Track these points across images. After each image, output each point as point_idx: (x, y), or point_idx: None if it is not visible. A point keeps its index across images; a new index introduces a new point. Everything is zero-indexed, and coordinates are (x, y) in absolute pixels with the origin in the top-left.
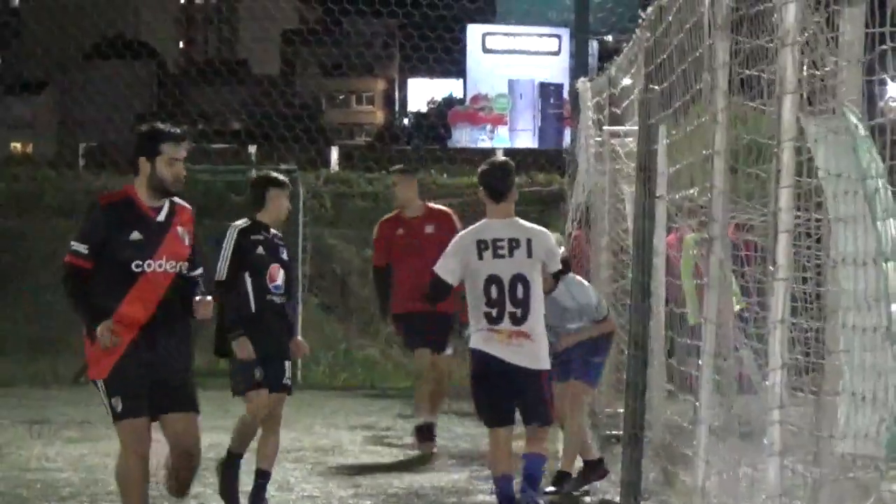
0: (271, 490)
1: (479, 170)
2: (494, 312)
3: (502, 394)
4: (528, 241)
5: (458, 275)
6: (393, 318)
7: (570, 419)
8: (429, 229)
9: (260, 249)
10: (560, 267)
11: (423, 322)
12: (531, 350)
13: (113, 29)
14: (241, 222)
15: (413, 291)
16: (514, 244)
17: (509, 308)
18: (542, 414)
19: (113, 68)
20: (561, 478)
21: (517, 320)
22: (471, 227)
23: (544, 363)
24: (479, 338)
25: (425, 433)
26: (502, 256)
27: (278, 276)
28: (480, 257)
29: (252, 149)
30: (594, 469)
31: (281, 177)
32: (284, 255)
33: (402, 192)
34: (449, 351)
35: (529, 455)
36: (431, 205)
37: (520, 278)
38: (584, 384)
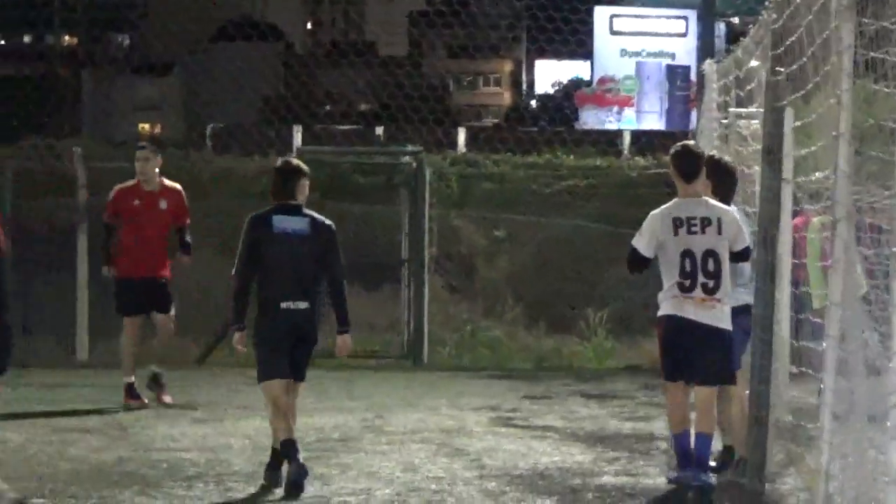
0: (397, 471)
1: (672, 152)
2: (688, 283)
3: (691, 351)
4: (719, 220)
5: (653, 249)
6: (115, 281)
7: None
8: (162, 205)
9: None
10: (746, 244)
11: (142, 287)
12: (721, 311)
13: (239, 10)
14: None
15: (138, 259)
16: (705, 222)
17: (701, 279)
18: (725, 373)
19: (239, 50)
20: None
21: (709, 290)
22: (665, 206)
23: (730, 324)
24: (671, 304)
25: (132, 391)
26: (695, 233)
27: None
28: (676, 233)
29: (379, 130)
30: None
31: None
32: None
33: (146, 168)
34: (172, 312)
35: (700, 435)
36: (167, 182)
37: (711, 253)
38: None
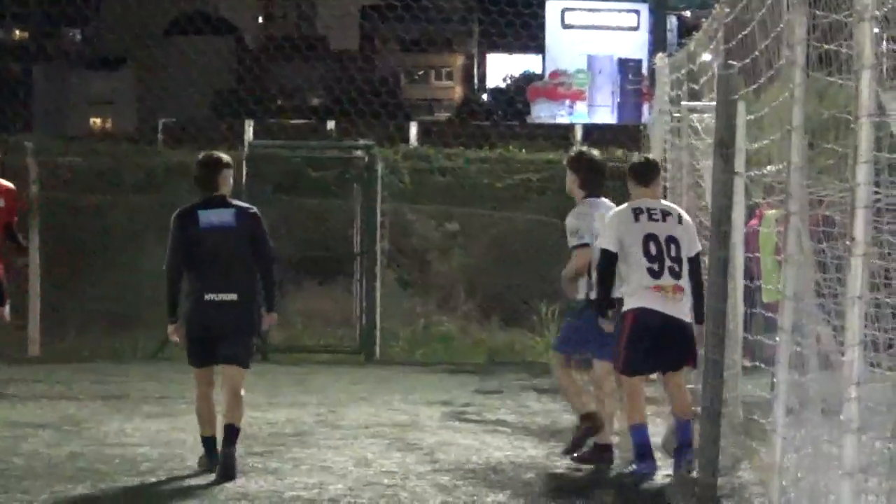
0: (349, 465)
1: (630, 164)
2: (656, 267)
3: (659, 344)
4: (679, 215)
5: (617, 245)
6: None
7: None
8: None
9: None
10: (699, 250)
11: None
12: (686, 304)
13: (192, 5)
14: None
15: None
16: (665, 213)
17: (668, 263)
18: (692, 356)
19: (192, 44)
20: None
21: (675, 274)
22: (622, 205)
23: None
24: (640, 297)
25: None
26: (656, 220)
27: None
28: (637, 220)
29: (331, 124)
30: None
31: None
32: None
33: None
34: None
35: (681, 422)
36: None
37: (672, 239)
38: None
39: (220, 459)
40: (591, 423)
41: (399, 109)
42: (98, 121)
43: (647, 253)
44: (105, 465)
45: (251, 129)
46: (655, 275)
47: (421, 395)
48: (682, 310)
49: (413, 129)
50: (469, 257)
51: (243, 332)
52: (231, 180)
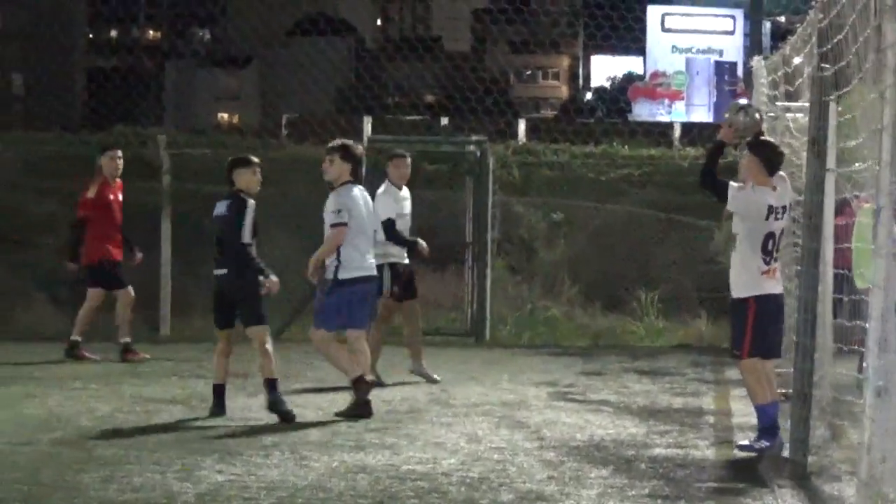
0: (461, 441)
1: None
2: (768, 259)
3: (780, 326)
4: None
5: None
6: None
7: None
8: None
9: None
10: None
11: None
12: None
13: (314, 7)
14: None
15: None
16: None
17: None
18: None
19: (314, 44)
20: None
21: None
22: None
23: None
24: (756, 283)
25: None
26: (780, 217)
27: None
28: (767, 217)
29: (444, 121)
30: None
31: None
32: None
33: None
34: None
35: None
36: None
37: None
38: None
39: (267, 407)
40: (362, 385)
41: (508, 107)
42: (225, 115)
43: (764, 247)
44: (231, 439)
45: (369, 124)
46: (766, 263)
47: (528, 376)
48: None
49: (521, 126)
50: (573, 247)
51: (239, 300)
52: (245, 176)
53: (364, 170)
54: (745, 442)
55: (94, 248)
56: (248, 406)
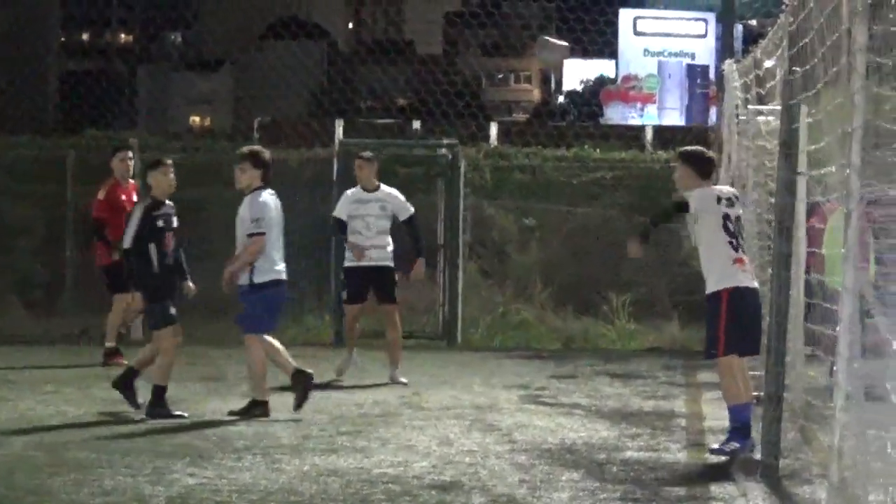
0: (433, 445)
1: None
2: (734, 242)
3: (754, 320)
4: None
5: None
6: None
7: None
8: None
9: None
10: None
11: None
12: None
13: (286, 11)
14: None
15: None
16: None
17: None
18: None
19: (286, 48)
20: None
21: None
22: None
23: None
24: (731, 274)
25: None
26: (731, 205)
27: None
28: (718, 202)
29: (416, 124)
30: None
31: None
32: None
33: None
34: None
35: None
36: None
37: (738, 219)
38: None
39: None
40: (301, 378)
41: (480, 110)
42: (197, 119)
43: (727, 230)
44: (202, 442)
45: (341, 128)
46: (735, 250)
47: (499, 380)
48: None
49: (493, 130)
50: (545, 250)
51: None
52: (160, 178)
53: (336, 172)
54: (716, 445)
55: (105, 251)
56: (219, 409)
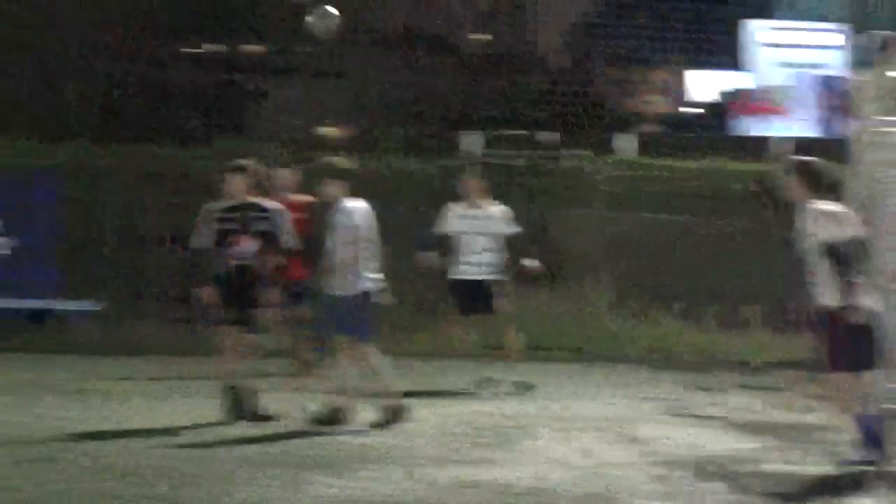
0: (573, 457)
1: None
2: (842, 261)
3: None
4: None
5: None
6: None
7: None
8: None
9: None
10: None
11: None
12: None
13: (417, 22)
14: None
15: None
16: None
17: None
18: None
19: (418, 59)
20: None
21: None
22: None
23: None
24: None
25: None
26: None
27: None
28: (827, 220)
29: (547, 135)
30: None
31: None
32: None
33: None
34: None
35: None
36: None
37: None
38: None
39: None
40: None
41: (611, 121)
42: (326, 129)
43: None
44: (343, 454)
45: (479, 139)
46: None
47: (637, 391)
48: None
49: (628, 140)
50: (683, 261)
51: None
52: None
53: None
54: (851, 458)
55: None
56: (359, 420)
